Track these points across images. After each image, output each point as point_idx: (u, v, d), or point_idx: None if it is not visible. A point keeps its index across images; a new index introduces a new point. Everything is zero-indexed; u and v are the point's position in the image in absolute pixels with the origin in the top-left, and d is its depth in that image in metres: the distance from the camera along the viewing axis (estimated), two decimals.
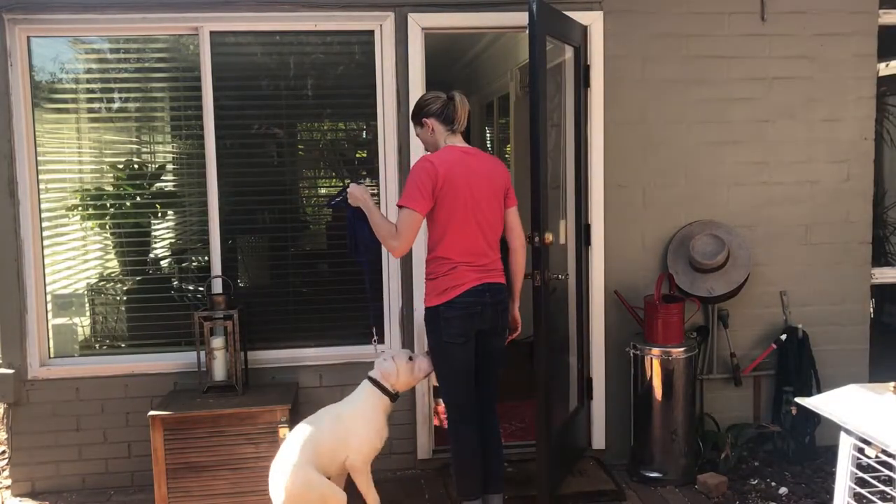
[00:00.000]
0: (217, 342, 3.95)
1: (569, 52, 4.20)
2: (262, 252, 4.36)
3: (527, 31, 4.15)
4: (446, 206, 3.26)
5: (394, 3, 4.08)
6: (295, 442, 3.33)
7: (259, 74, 4.18)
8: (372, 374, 3.50)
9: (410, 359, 3.53)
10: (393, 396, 3.48)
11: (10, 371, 4.01)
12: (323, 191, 4.61)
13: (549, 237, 3.69)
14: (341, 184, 4.54)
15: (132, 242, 4.28)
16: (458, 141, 3.39)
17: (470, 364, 3.39)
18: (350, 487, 3.48)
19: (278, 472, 3.28)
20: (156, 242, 4.35)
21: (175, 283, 4.31)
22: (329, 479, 3.37)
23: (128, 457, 4.12)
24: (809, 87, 4.33)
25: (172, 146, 4.31)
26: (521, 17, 4.14)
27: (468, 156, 3.34)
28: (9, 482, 4.13)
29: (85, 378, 4.08)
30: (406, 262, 4.19)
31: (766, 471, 4.17)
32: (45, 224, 4.10)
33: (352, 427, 3.41)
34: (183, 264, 4.32)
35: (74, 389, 4.08)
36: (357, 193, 3.35)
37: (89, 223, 4.25)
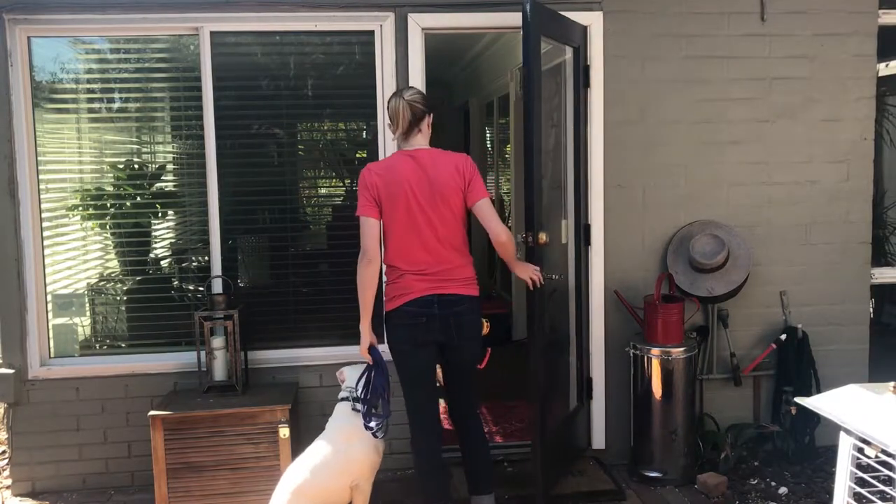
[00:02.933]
0: (217, 342, 3.96)
1: (568, 53, 4.20)
2: (263, 252, 4.36)
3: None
4: (386, 214, 3.23)
5: (394, 3, 4.08)
6: (282, 494, 3.24)
7: (259, 74, 4.18)
8: (342, 394, 3.49)
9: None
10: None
11: (11, 371, 4.02)
12: (323, 191, 4.61)
13: (542, 237, 3.65)
14: (341, 184, 4.55)
15: (132, 242, 4.28)
16: (415, 143, 3.28)
17: (423, 373, 3.30)
18: None
19: None
20: (156, 242, 4.35)
21: (175, 283, 4.31)
22: None
23: (128, 457, 4.12)
24: (809, 87, 4.33)
25: (172, 146, 4.31)
26: (520, 18, 4.15)
27: (412, 160, 3.23)
28: (9, 482, 4.13)
29: (85, 378, 4.08)
30: None
31: (765, 471, 4.17)
32: (45, 224, 4.10)
33: (346, 451, 3.34)
34: (183, 264, 4.32)
35: (75, 389, 4.08)
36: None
37: (89, 223, 4.25)
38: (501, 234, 3.21)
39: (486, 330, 3.41)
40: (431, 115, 3.34)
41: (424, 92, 3.55)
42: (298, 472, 3.29)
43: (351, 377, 3.49)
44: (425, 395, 3.35)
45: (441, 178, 3.20)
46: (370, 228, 3.21)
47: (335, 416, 3.48)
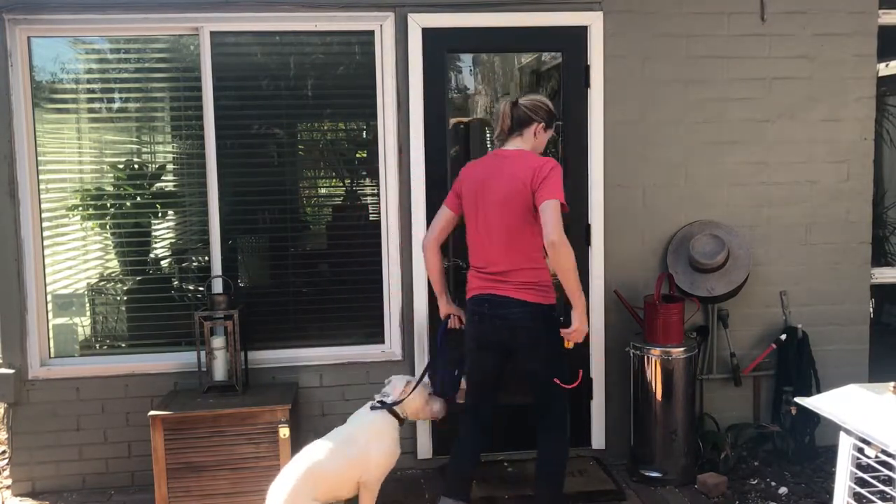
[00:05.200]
0: (217, 342, 3.96)
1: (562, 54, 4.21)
2: (263, 252, 4.36)
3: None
4: (464, 209, 3.37)
5: (394, 3, 4.08)
6: (296, 469, 3.28)
7: (259, 74, 4.18)
8: (377, 398, 3.55)
9: (431, 394, 3.58)
10: (400, 419, 3.52)
11: (11, 371, 4.01)
12: (323, 191, 4.61)
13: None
14: (341, 184, 4.55)
15: (132, 242, 4.28)
16: (509, 146, 3.30)
17: (478, 372, 3.39)
18: None
19: (275, 497, 3.23)
20: (156, 242, 4.35)
21: (175, 283, 4.31)
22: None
23: (128, 457, 4.12)
24: (809, 87, 4.33)
25: (172, 146, 4.31)
26: (520, 18, 4.16)
27: (495, 159, 3.29)
28: (9, 482, 4.13)
29: (85, 378, 4.08)
30: (406, 262, 4.20)
31: (765, 471, 4.17)
32: (45, 224, 4.10)
33: (365, 447, 3.39)
34: (183, 264, 4.32)
35: (75, 389, 4.08)
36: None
37: (90, 223, 4.25)
38: (550, 234, 3.05)
39: (568, 343, 3.26)
40: (542, 124, 3.29)
41: (539, 102, 3.34)
42: (316, 452, 3.33)
43: (396, 388, 3.54)
44: (479, 396, 3.43)
45: (515, 179, 3.18)
46: (438, 216, 3.45)
47: (361, 412, 3.53)
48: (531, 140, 3.31)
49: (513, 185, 3.18)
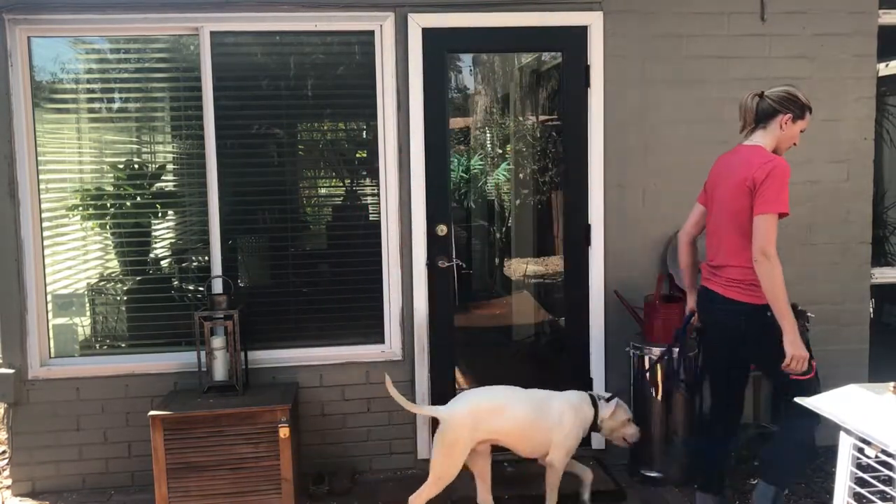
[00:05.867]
0: (217, 342, 3.95)
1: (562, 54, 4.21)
2: (263, 252, 4.36)
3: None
4: (707, 202, 3.44)
5: (394, 3, 4.08)
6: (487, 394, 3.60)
7: (259, 74, 4.18)
8: (595, 394, 3.75)
9: (629, 420, 3.76)
10: (595, 423, 3.67)
11: (11, 371, 4.02)
12: (323, 191, 4.61)
13: (442, 229, 4.02)
14: (341, 184, 4.55)
15: (132, 242, 4.28)
16: (751, 140, 3.26)
17: (712, 367, 3.50)
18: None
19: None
20: (156, 242, 4.35)
21: (175, 283, 4.31)
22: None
23: (128, 457, 4.12)
24: (809, 87, 4.31)
25: (172, 146, 4.31)
26: (520, 18, 4.16)
27: (734, 155, 3.30)
28: (9, 482, 4.13)
29: (85, 378, 4.08)
30: (406, 262, 4.19)
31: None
32: (45, 224, 4.10)
33: (557, 419, 3.56)
34: (183, 264, 4.32)
35: (75, 389, 4.08)
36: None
37: (89, 223, 4.25)
38: (756, 248, 3.08)
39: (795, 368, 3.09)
40: (789, 115, 3.19)
41: (787, 93, 3.24)
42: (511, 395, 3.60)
43: (608, 408, 3.71)
44: (717, 397, 3.50)
45: (738, 178, 3.16)
46: (692, 210, 3.53)
47: (571, 391, 3.72)
48: (776, 133, 3.21)
49: (735, 184, 3.18)
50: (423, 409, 3.79)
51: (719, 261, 3.28)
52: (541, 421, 3.54)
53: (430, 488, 3.46)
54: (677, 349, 3.71)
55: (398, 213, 4.18)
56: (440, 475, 3.45)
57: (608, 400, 3.71)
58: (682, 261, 3.59)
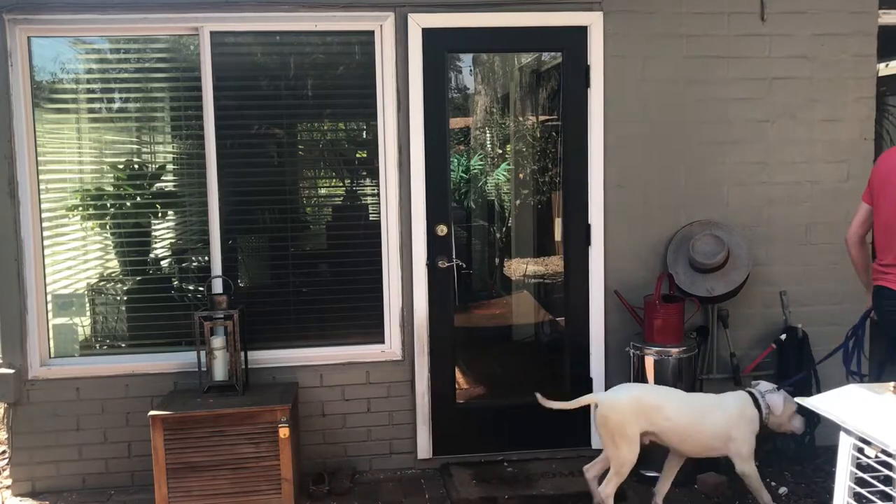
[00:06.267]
0: (217, 342, 3.95)
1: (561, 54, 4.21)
2: (263, 252, 4.36)
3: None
4: (874, 200, 3.39)
5: (394, 3, 4.08)
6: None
7: (259, 74, 4.18)
8: (754, 391, 3.62)
9: (795, 412, 3.64)
10: (761, 423, 3.57)
11: (11, 371, 4.01)
12: (323, 191, 4.61)
13: (442, 229, 3.98)
14: (341, 184, 4.55)
15: (132, 242, 4.28)
16: None
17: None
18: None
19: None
20: (156, 242, 4.35)
21: (175, 283, 4.31)
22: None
23: (128, 457, 4.12)
24: (809, 87, 4.33)
25: (172, 146, 4.31)
26: (520, 18, 4.16)
27: None
28: (9, 482, 4.13)
29: (85, 378, 4.08)
30: (406, 262, 4.19)
31: (766, 471, 4.16)
32: (45, 224, 4.10)
33: (731, 423, 3.51)
34: (183, 264, 4.32)
35: (75, 389, 4.08)
36: None
37: (89, 223, 4.25)
38: None
39: None
40: None
41: None
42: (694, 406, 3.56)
43: (776, 404, 3.59)
44: None
45: None
46: (857, 211, 3.49)
47: (729, 395, 3.64)
48: None
49: None
50: (582, 399, 3.64)
51: (890, 259, 3.26)
52: (705, 428, 3.51)
53: (616, 478, 3.47)
54: (852, 342, 3.72)
55: (398, 213, 4.18)
56: (622, 462, 3.45)
57: (774, 391, 3.63)
58: (857, 261, 3.55)
